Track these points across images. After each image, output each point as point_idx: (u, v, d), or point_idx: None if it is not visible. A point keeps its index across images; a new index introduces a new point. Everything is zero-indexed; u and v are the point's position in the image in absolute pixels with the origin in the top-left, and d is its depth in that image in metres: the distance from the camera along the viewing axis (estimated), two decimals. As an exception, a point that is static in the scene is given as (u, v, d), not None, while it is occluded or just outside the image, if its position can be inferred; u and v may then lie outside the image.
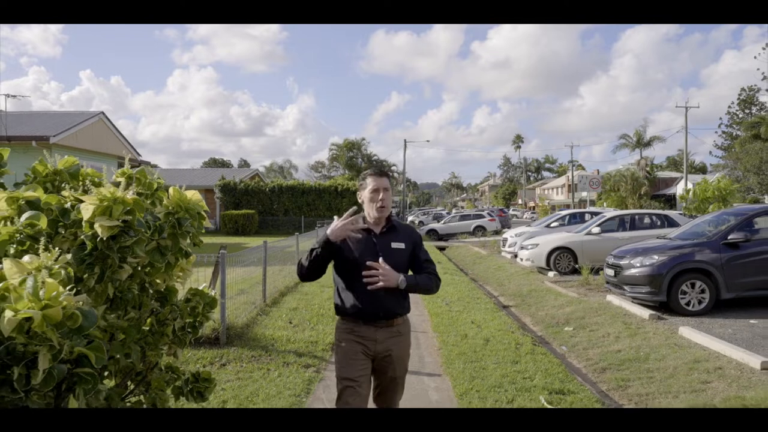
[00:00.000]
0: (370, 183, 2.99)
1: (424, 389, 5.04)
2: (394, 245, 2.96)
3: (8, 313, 1.59)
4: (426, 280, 2.99)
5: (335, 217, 3.11)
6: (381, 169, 3.08)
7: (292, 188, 32.68)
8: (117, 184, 2.48)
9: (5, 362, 1.65)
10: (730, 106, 61.14)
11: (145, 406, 2.74)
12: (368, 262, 2.81)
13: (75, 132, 16.19)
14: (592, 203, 56.89)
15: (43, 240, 1.94)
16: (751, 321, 7.72)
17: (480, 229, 29.99)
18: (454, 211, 60.72)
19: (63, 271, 1.85)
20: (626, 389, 5.61)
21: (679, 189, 47.37)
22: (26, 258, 1.88)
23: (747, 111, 60.32)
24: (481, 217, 32.06)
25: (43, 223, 2.12)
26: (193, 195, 2.57)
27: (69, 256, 2.00)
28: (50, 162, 2.69)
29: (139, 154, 20.62)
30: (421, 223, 41.50)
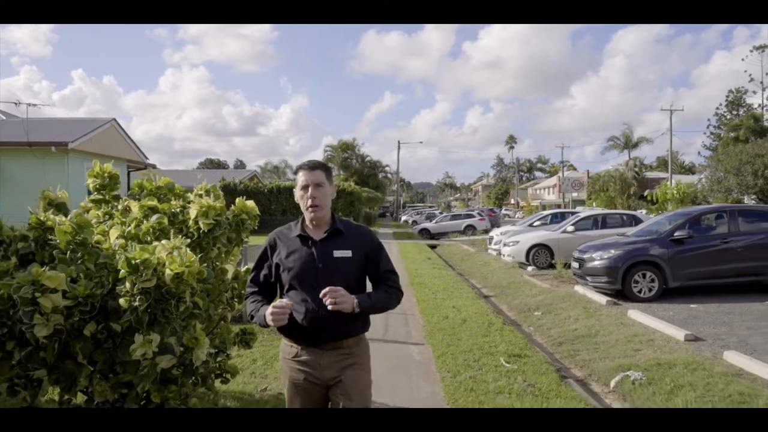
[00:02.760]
0: (299, 179, 2.55)
1: (410, 353, 6.31)
2: (338, 253, 2.50)
3: (168, 271, 2.86)
4: (383, 297, 2.55)
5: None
6: (313, 162, 2.60)
7: (290, 189, 33.80)
8: (200, 195, 3.77)
9: (165, 297, 2.91)
10: (718, 108, 62.61)
11: (215, 348, 3.98)
12: (320, 294, 2.35)
13: (90, 138, 17.37)
14: (582, 203, 58.53)
15: (172, 231, 3.22)
16: (691, 305, 9.04)
17: (470, 228, 31.33)
18: (454, 210, 62.00)
19: (188, 250, 3.12)
20: (575, 357, 6.91)
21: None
22: (164, 241, 3.14)
23: (734, 112, 61.70)
24: (471, 216, 33.44)
25: (165, 222, 3.39)
26: (250, 203, 3.85)
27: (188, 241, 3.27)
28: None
29: (146, 158, 21.81)
30: (415, 222, 42.84)
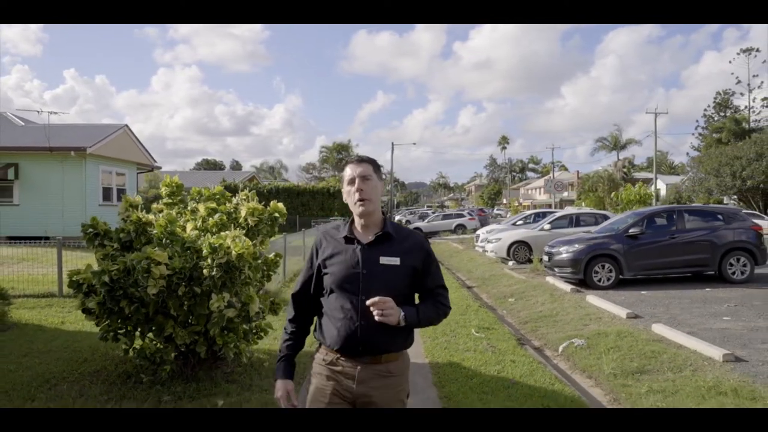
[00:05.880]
0: (345, 173, 2.39)
1: (399, 326, 7.76)
2: (384, 260, 2.30)
3: (234, 252, 4.29)
4: (431, 313, 2.37)
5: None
6: (360, 156, 2.46)
7: (288, 190, 35.33)
8: (245, 199, 5.19)
9: (231, 269, 4.33)
10: (706, 109, 63.77)
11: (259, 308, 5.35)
12: (367, 302, 2.20)
13: (106, 143, 18.71)
14: (571, 203, 60.20)
15: (232, 225, 4.66)
16: (642, 292, 10.52)
17: (461, 227, 32.86)
18: (446, 209, 63.42)
19: (245, 238, 4.54)
20: (536, 331, 8.38)
21: (651, 189, 50.56)
22: (227, 232, 4.56)
23: (722, 114, 63.06)
24: (461, 216, 35.03)
25: (225, 219, 4.81)
26: (280, 205, 5.27)
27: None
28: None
29: (155, 161, 23.17)
30: (408, 221, 44.31)
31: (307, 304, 2.46)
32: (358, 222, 2.38)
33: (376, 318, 2.17)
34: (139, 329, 4.81)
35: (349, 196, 2.35)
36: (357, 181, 2.31)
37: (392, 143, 53.06)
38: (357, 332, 2.24)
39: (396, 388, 2.31)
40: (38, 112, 18.78)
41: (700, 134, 63.63)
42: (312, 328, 2.49)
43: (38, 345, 6.16)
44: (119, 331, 4.75)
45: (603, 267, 11.00)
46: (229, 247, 4.32)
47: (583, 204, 56.12)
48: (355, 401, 2.27)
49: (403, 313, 2.22)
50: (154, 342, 4.86)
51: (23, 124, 21.00)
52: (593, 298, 9.83)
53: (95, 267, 4.59)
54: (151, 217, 4.70)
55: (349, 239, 2.34)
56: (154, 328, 4.66)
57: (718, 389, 5.10)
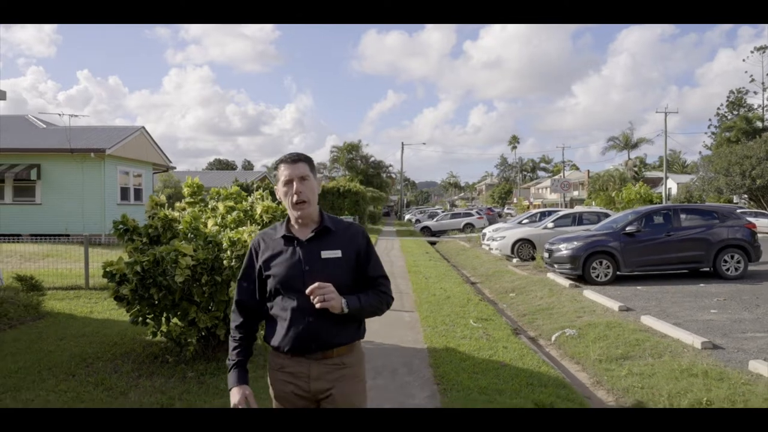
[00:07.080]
0: (281, 174, 2.35)
1: (402, 316, 8.29)
2: (326, 254, 2.31)
3: (250, 245, 4.83)
4: (373, 301, 2.34)
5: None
6: (294, 154, 2.39)
7: (299, 189, 35.88)
8: (261, 197, 5.75)
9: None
10: (719, 108, 63.35)
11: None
12: (307, 290, 2.17)
13: (123, 144, 19.42)
14: (581, 202, 60.38)
15: (248, 222, 5.21)
16: (638, 287, 10.96)
17: (469, 226, 33.31)
18: (456, 209, 63.81)
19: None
20: (533, 323, 8.86)
21: (660, 189, 50.59)
22: (244, 227, 5.11)
23: (735, 112, 62.62)
24: (470, 215, 35.48)
25: (242, 216, 5.37)
26: (291, 203, 5.82)
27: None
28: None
29: (170, 161, 23.89)
30: (418, 221, 44.86)
31: (252, 309, 2.43)
32: (294, 220, 2.37)
33: (317, 305, 2.15)
34: (165, 314, 5.38)
35: (286, 197, 2.33)
36: (295, 183, 2.30)
37: (402, 143, 53.68)
38: (306, 329, 2.23)
39: (353, 380, 2.32)
40: (59, 114, 19.57)
41: (713, 133, 63.18)
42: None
43: (72, 330, 6.77)
44: (148, 316, 5.32)
45: (601, 263, 11.44)
46: (246, 241, 4.87)
47: (593, 203, 56.26)
48: (317, 400, 2.28)
49: (344, 300, 2.21)
50: (179, 326, 5.43)
51: (44, 126, 21.79)
52: (589, 293, 10.28)
53: (126, 259, 5.17)
54: (176, 214, 5.27)
55: (288, 238, 2.33)
56: (179, 313, 5.22)
57: (690, 372, 5.57)
